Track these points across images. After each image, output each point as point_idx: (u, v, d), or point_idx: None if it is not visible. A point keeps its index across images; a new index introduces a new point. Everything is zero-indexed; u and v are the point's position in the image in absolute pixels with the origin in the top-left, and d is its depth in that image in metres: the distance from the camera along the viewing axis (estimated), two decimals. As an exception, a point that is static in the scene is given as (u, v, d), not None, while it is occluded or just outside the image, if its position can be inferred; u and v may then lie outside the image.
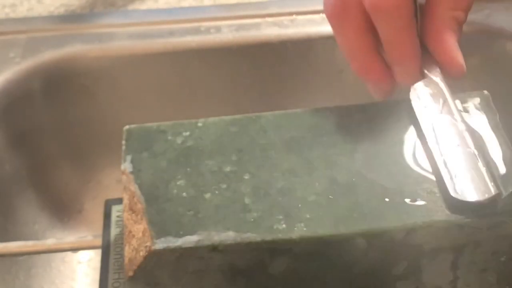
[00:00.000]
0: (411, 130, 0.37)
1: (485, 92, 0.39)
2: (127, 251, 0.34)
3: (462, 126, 0.35)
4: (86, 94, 0.60)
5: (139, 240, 0.33)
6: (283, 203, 0.34)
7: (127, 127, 0.38)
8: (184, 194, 0.35)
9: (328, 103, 0.40)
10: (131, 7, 0.63)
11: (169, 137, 0.37)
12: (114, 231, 0.43)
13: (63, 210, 0.63)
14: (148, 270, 0.33)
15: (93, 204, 0.64)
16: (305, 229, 0.33)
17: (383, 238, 0.33)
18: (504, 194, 0.33)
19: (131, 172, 0.36)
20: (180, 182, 0.35)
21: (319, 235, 0.33)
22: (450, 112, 0.36)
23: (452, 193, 0.33)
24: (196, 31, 0.60)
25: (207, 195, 0.34)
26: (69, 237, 0.59)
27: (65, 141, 0.62)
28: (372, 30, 0.35)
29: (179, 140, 0.37)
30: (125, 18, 0.62)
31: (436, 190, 0.34)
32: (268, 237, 0.33)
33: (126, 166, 0.36)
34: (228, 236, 0.33)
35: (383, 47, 0.36)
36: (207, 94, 0.62)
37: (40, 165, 0.61)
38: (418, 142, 0.36)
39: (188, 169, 0.36)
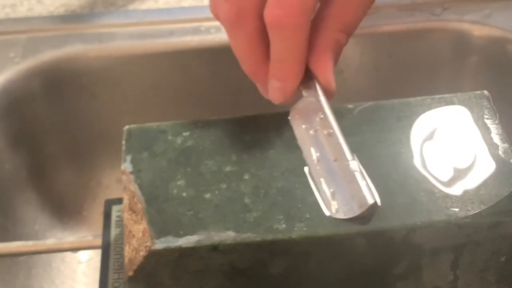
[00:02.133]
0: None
1: (485, 92, 0.39)
2: (127, 251, 0.34)
3: (338, 141, 0.34)
4: (86, 94, 0.60)
5: (139, 240, 0.33)
6: (283, 203, 0.34)
7: (127, 127, 0.38)
8: (184, 194, 0.35)
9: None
10: (131, 7, 0.63)
11: (169, 137, 0.37)
12: (114, 231, 0.43)
13: (63, 210, 0.63)
14: (148, 270, 0.33)
15: (93, 204, 0.64)
16: (305, 229, 0.33)
17: (383, 238, 0.33)
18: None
19: (131, 172, 0.36)
20: (180, 182, 0.35)
21: (319, 235, 0.33)
22: (327, 127, 0.35)
23: (326, 212, 0.33)
24: (196, 31, 0.60)
25: (207, 195, 0.34)
26: (69, 237, 0.59)
27: (65, 141, 0.62)
28: (264, 39, 0.34)
29: (179, 140, 0.37)
30: (125, 18, 0.62)
31: (447, 191, 0.34)
32: (268, 237, 0.33)
33: (126, 166, 0.36)
34: (228, 236, 0.33)
35: (270, 59, 0.35)
36: (207, 94, 0.62)
37: (40, 165, 0.61)
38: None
39: (188, 169, 0.36)
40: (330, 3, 0.34)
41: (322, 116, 0.35)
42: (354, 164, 0.34)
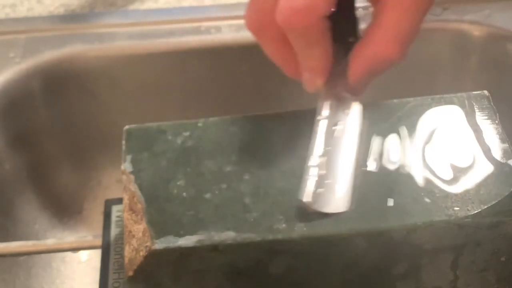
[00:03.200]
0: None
1: (485, 92, 0.39)
2: (127, 251, 0.34)
3: (355, 136, 0.35)
4: (86, 94, 0.60)
5: (139, 240, 0.33)
6: (283, 203, 0.34)
7: (127, 127, 0.38)
8: (184, 194, 0.35)
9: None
10: (131, 7, 0.63)
11: (169, 137, 0.37)
12: (114, 231, 0.43)
13: (63, 210, 0.63)
14: (148, 270, 0.33)
15: (93, 204, 0.64)
16: (305, 229, 0.33)
17: (383, 238, 0.33)
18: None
19: (131, 172, 0.36)
20: (180, 182, 0.35)
21: (319, 235, 0.33)
22: (348, 125, 0.36)
23: (300, 197, 0.33)
24: (196, 31, 0.60)
25: (207, 195, 0.34)
26: (69, 237, 0.59)
27: (65, 141, 0.62)
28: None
29: (179, 140, 0.37)
30: (125, 18, 0.62)
31: (447, 191, 0.34)
32: (268, 237, 0.33)
33: (126, 166, 0.36)
34: (228, 236, 0.33)
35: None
36: (207, 94, 0.62)
37: (40, 165, 0.61)
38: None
39: (188, 169, 0.36)
40: (382, 11, 0.34)
41: (347, 111, 0.36)
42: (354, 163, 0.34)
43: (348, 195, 0.34)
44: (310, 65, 0.36)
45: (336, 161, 0.35)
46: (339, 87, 0.36)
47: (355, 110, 0.36)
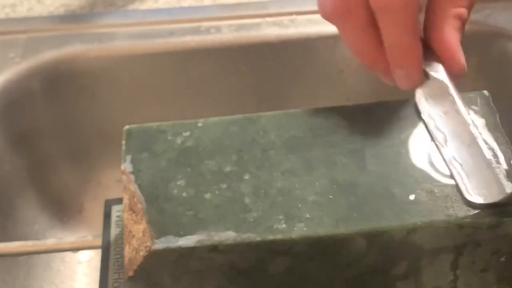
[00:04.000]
0: (415, 130, 0.37)
1: (485, 92, 0.39)
2: (127, 251, 0.34)
3: (470, 125, 0.35)
4: (86, 94, 0.60)
5: (139, 240, 0.33)
6: (283, 203, 0.34)
7: (127, 127, 0.38)
8: (184, 194, 0.35)
9: (328, 103, 0.40)
10: (131, 7, 0.63)
11: (169, 137, 0.37)
12: (114, 231, 0.43)
13: (63, 210, 0.63)
14: (148, 270, 0.33)
15: (93, 204, 0.64)
16: (305, 229, 0.33)
17: (383, 238, 0.33)
18: None
19: (131, 172, 0.36)
20: (180, 182, 0.35)
21: (319, 235, 0.33)
22: (458, 112, 0.35)
23: (467, 196, 0.33)
24: (196, 31, 0.60)
25: (207, 195, 0.34)
26: (69, 237, 0.59)
27: (65, 141, 0.62)
28: (375, 26, 0.34)
29: (179, 140, 0.37)
30: (125, 18, 0.62)
31: (447, 191, 0.34)
32: (268, 237, 0.33)
33: (126, 166, 0.36)
34: (228, 236, 0.33)
35: (385, 48, 0.35)
36: (207, 94, 0.62)
37: (40, 165, 0.61)
38: (424, 142, 0.36)
39: (188, 169, 0.36)
40: None
41: (451, 98, 0.35)
42: (487, 153, 0.34)
43: (499, 179, 0.34)
44: (403, 57, 0.34)
45: (463, 150, 0.34)
46: (439, 73, 0.35)
47: (449, 87, 0.36)
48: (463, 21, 0.35)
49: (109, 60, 0.59)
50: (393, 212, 0.33)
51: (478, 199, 0.33)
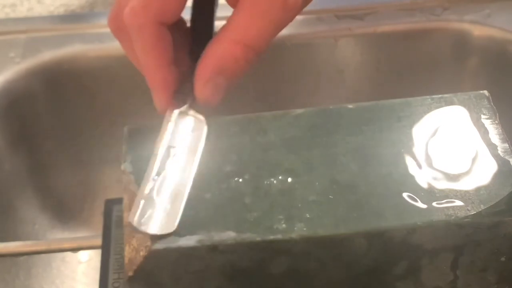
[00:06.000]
0: (415, 130, 0.37)
1: (485, 92, 0.39)
2: (127, 251, 0.34)
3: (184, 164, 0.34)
4: (86, 94, 0.60)
5: (139, 240, 0.33)
6: (283, 203, 0.34)
7: (127, 127, 0.38)
8: (184, 194, 0.35)
9: (328, 103, 0.40)
10: (131, 7, 0.63)
11: (169, 137, 0.37)
12: (114, 231, 0.43)
13: (63, 210, 0.63)
14: (148, 270, 0.33)
15: (93, 204, 0.64)
16: (305, 229, 0.33)
17: (383, 238, 0.33)
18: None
19: (131, 172, 0.36)
20: (180, 182, 0.35)
21: (319, 235, 0.33)
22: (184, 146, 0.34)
23: (131, 220, 0.32)
24: (196, 31, 0.60)
25: (207, 195, 0.34)
26: (69, 237, 0.59)
27: (65, 141, 0.62)
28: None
29: (179, 140, 0.37)
30: (125, 18, 0.61)
31: (447, 191, 0.34)
32: (268, 237, 0.33)
33: (126, 166, 0.36)
34: (228, 236, 0.33)
35: None
36: (207, 94, 0.62)
37: (40, 165, 0.61)
38: (423, 142, 0.36)
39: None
40: (234, 14, 0.33)
41: (182, 133, 0.34)
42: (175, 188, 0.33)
43: (177, 216, 0.33)
44: (149, 77, 0.34)
45: (169, 183, 0.33)
46: (187, 105, 0.34)
47: (199, 129, 0.35)
48: (236, 60, 0.32)
49: (109, 60, 0.59)
50: (393, 212, 0.33)
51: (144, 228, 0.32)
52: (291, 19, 0.33)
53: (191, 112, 0.35)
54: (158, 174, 0.33)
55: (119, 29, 0.35)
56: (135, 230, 0.32)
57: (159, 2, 0.32)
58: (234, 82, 0.33)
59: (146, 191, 0.33)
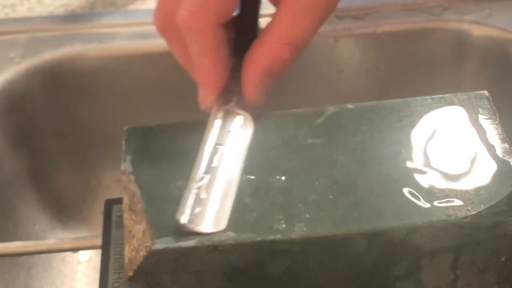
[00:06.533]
0: (415, 130, 0.37)
1: (485, 92, 0.39)
2: (127, 251, 0.34)
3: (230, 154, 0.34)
4: (86, 94, 0.60)
5: (139, 240, 0.33)
6: (283, 203, 0.34)
7: (127, 127, 0.38)
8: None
9: (328, 103, 0.40)
10: (131, 7, 0.63)
11: (169, 137, 0.37)
12: (114, 231, 0.43)
13: (63, 210, 0.63)
14: (148, 270, 0.33)
15: (93, 204, 0.64)
16: (305, 229, 0.33)
17: (383, 238, 0.33)
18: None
19: (131, 172, 0.36)
20: (180, 182, 0.35)
21: (319, 235, 0.33)
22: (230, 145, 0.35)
23: (180, 219, 0.32)
24: (196, 31, 0.60)
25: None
26: (69, 237, 0.59)
27: (65, 141, 0.62)
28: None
29: (179, 140, 0.37)
30: (125, 18, 0.62)
31: (447, 191, 0.34)
32: (268, 237, 0.33)
33: (126, 166, 0.36)
34: (228, 236, 0.33)
35: None
36: (207, 94, 0.62)
37: (40, 165, 0.61)
38: (423, 142, 0.36)
39: (188, 169, 0.36)
40: (278, 13, 0.34)
41: (230, 131, 0.35)
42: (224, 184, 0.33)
43: (226, 213, 0.33)
44: (203, 77, 0.35)
45: (217, 181, 0.34)
46: (233, 103, 0.35)
47: (245, 127, 0.35)
48: (282, 60, 0.34)
49: (109, 60, 0.59)
50: (393, 212, 0.33)
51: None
52: (334, 9, 0.34)
53: (237, 109, 0.35)
54: (206, 172, 0.34)
55: (169, 31, 0.35)
56: (186, 229, 0.32)
57: (217, 4, 0.33)
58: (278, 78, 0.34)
59: (195, 189, 0.33)
